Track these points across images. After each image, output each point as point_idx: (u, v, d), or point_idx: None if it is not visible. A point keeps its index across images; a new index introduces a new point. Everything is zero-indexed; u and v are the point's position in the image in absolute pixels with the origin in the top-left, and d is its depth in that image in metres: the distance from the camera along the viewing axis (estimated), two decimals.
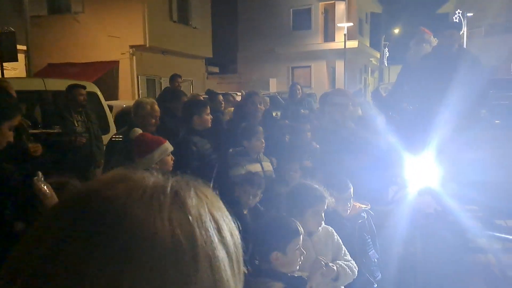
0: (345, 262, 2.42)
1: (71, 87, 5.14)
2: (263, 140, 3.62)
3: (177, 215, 0.44)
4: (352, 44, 22.27)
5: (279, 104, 10.56)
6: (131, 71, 14.42)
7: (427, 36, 4.96)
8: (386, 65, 33.70)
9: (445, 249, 3.95)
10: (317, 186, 2.48)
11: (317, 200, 2.42)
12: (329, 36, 23.75)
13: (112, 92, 13.29)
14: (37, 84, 6.24)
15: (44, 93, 5.96)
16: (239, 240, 0.50)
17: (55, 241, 0.42)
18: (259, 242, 2.16)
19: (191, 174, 0.53)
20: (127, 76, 14.43)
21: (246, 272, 2.12)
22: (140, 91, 14.47)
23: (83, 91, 5.16)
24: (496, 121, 5.86)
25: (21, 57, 9.79)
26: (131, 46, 14.22)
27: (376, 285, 2.86)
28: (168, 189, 0.47)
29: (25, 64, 10.29)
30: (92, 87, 6.28)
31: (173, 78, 7.01)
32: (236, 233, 0.50)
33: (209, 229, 0.46)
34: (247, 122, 4.00)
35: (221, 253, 0.46)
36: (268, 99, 6.79)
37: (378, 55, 31.47)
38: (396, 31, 35.20)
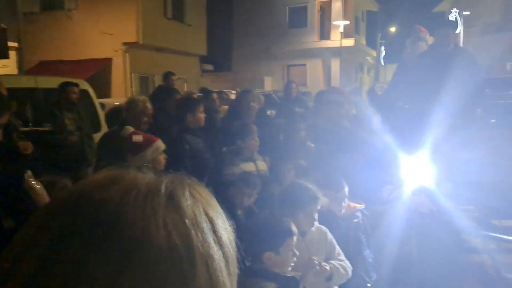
0: (339, 262, 2.43)
1: (64, 85, 5.09)
2: (258, 139, 3.59)
3: (172, 218, 0.44)
4: (348, 42, 22.28)
5: (274, 102, 10.51)
6: (124, 68, 14.32)
7: (423, 35, 4.94)
8: (382, 63, 33.77)
9: (440, 249, 3.94)
10: (310, 186, 2.48)
11: (309, 201, 2.42)
12: (325, 34, 23.73)
13: (104, 90, 13.18)
14: (28, 82, 6.18)
15: (36, 91, 5.89)
16: (234, 238, 0.50)
17: (45, 252, 0.41)
18: (252, 241, 2.16)
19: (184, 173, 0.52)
20: (120, 73, 14.32)
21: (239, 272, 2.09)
22: (133, 89, 14.37)
23: (76, 89, 5.12)
24: (492, 120, 5.87)
25: (12, 54, 9.69)
26: (124, 43, 14.12)
27: (370, 285, 2.85)
28: (162, 190, 0.46)
29: (17, 62, 10.19)
30: (84, 85, 6.22)
31: (167, 75, 6.94)
32: (231, 230, 0.50)
33: (205, 230, 0.45)
34: (241, 120, 3.96)
35: (217, 254, 0.45)
36: (262, 97, 6.75)
37: (374, 54, 31.50)
38: (393, 29, 35.23)
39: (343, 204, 2.90)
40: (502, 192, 4.42)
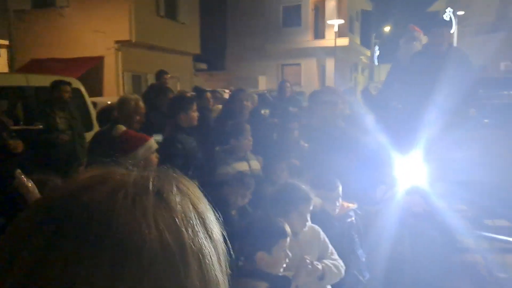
0: (331, 261, 2.42)
1: (57, 84, 5.03)
2: (251, 138, 3.57)
3: (162, 217, 0.43)
4: (343, 41, 22.27)
5: (268, 102, 10.49)
6: (116, 67, 14.19)
7: (417, 34, 4.95)
8: (377, 63, 33.89)
9: (433, 249, 3.96)
10: (303, 186, 2.47)
11: (302, 201, 2.41)
12: (319, 33, 23.73)
13: (96, 89, 13.04)
14: (19, 80, 6.10)
15: (27, 89, 5.82)
16: (222, 231, 0.50)
17: (37, 254, 0.40)
18: (245, 241, 2.14)
19: None
20: (112, 72, 14.20)
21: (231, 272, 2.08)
22: (125, 88, 14.26)
23: (68, 87, 5.07)
24: (485, 120, 5.89)
25: (3, 52, 9.61)
26: (117, 42, 13.99)
27: (364, 284, 2.85)
28: (150, 187, 0.46)
29: (8, 59, 10.08)
30: (76, 83, 6.16)
31: (160, 74, 6.88)
32: (219, 224, 0.50)
33: (196, 226, 0.45)
34: (235, 120, 3.94)
35: (208, 249, 0.45)
36: (256, 96, 6.72)
37: (369, 53, 31.59)
38: (387, 29, 35.37)
39: (337, 204, 2.89)
40: (495, 192, 4.44)
